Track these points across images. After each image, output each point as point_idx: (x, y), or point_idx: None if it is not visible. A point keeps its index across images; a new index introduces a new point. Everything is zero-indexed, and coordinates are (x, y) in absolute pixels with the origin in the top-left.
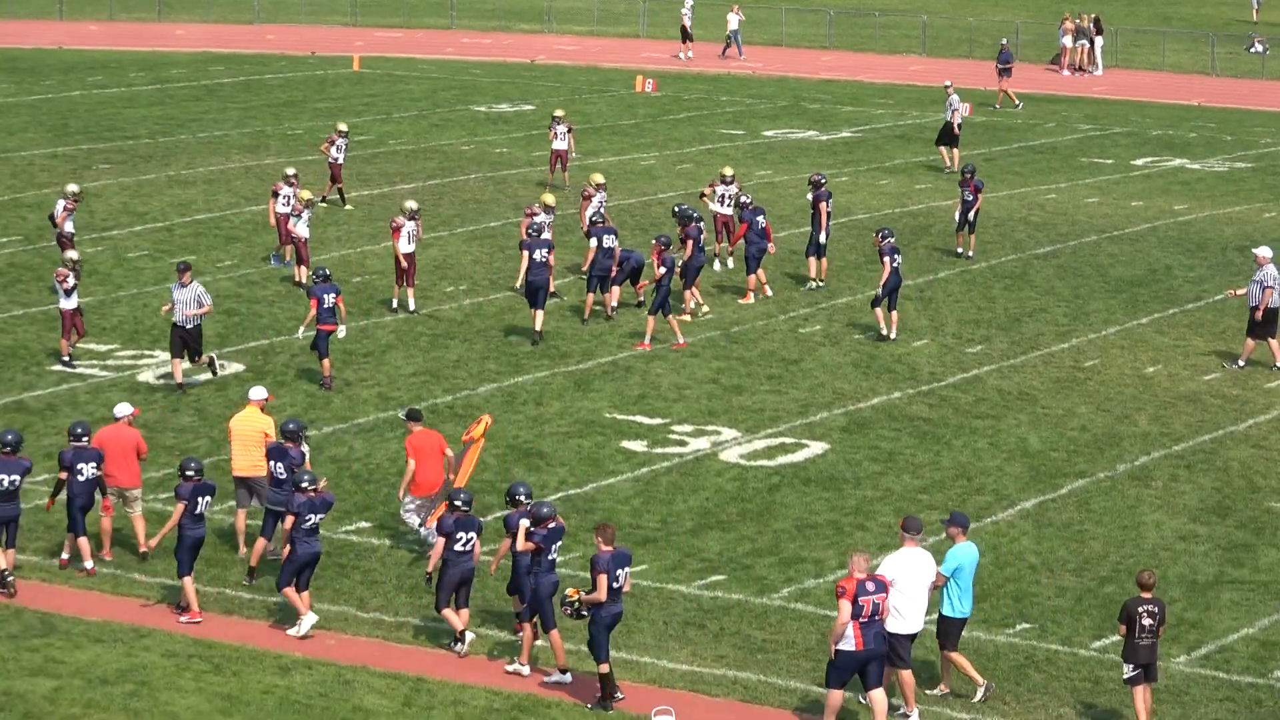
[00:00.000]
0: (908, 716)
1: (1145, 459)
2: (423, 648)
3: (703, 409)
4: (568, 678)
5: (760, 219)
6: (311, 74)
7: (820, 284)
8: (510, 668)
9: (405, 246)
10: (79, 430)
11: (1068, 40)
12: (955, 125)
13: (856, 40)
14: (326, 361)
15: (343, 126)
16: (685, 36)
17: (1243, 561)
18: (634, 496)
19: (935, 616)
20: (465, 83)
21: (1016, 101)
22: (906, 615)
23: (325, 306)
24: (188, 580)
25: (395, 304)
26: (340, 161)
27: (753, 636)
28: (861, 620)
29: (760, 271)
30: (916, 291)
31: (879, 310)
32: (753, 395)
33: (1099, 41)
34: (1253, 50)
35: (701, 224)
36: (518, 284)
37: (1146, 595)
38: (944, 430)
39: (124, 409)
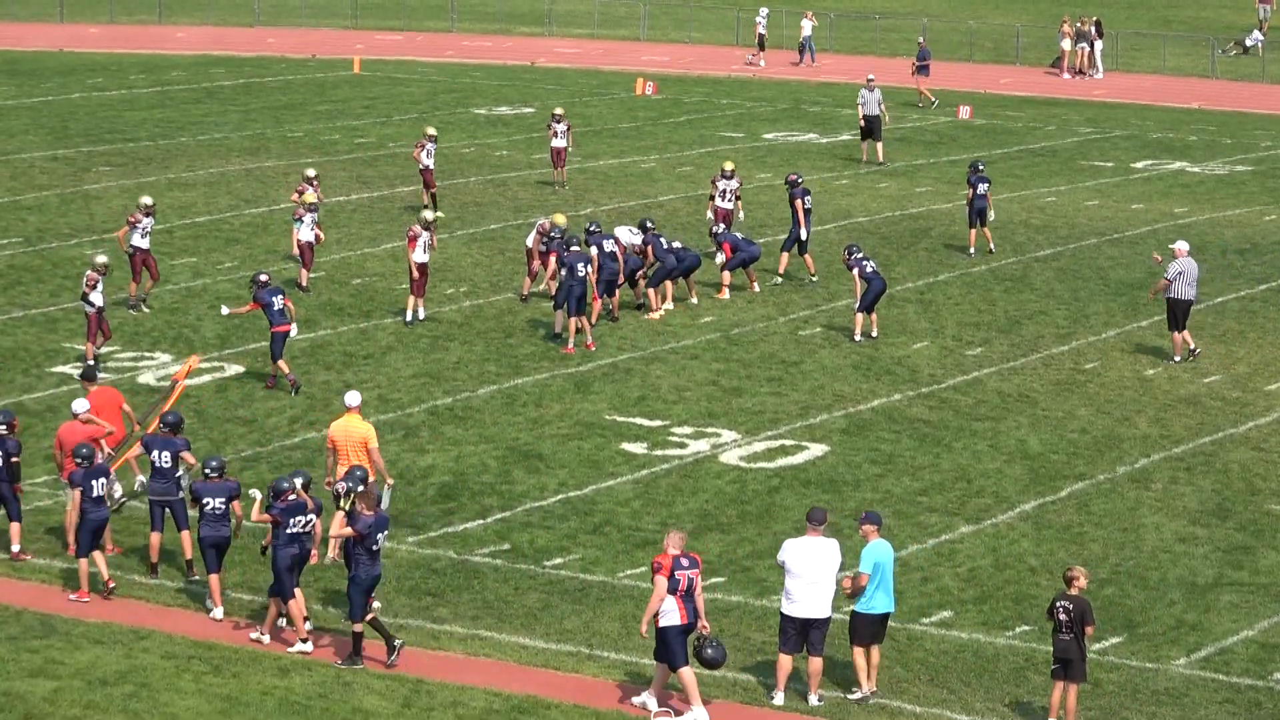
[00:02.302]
0: (803, 698)
1: (1145, 461)
2: (422, 649)
3: (702, 411)
4: (309, 646)
5: (738, 235)
6: (312, 77)
7: (813, 279)
8: (254, 635)
9: (420, 256)
10: (1, 419)
11: (1066, 44)
12: (879, 118)
13: (857, 43)
14: (282, 363)
15: (432, 130)
16: (761, 44)
17: (1242, 564)
18: (634, 498)
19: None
20: (465, 85)
21: (932, 100)
22: (801, 600)
23: (276, 309)
24: (83, 562)
25: (409, 315)
26: (431, 167)
27: (752, 639)
28: (680, 594)
29: (751, 270)
30: (916, 294)
31: (859, 316)
32: (752, 397)
33: (1099, 45)
34: (1247, 48)
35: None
36: (524, 290)
37: (1071, 592)
38: (944, 432)
39: (80, 405)
